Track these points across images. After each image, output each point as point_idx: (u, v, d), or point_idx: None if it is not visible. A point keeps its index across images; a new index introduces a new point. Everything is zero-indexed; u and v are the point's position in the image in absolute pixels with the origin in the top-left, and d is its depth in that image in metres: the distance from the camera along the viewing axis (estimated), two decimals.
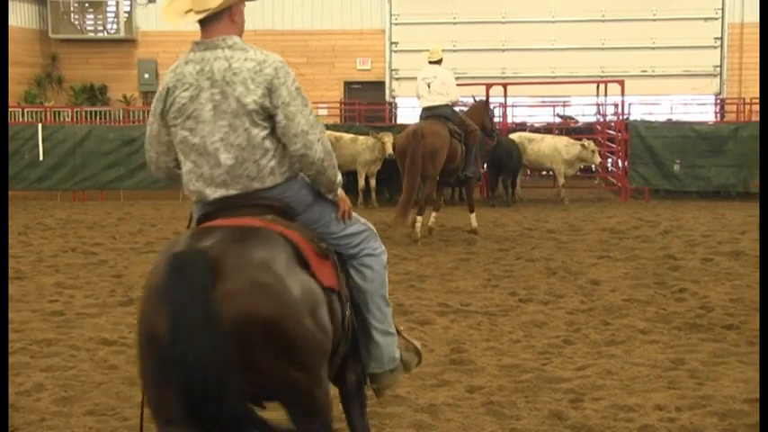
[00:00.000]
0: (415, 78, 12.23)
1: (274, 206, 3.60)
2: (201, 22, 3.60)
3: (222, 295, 3.04)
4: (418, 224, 11.54)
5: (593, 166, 18.24)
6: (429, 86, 11.84)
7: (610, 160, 19.09)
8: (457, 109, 12.33)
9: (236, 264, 3.14)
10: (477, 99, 14.82)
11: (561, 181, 16.44)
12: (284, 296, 3.16)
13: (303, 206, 3.71)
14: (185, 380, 2.95)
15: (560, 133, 18.95)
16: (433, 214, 12.36)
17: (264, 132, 3.54)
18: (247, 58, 3.52)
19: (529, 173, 19.63)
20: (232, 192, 3.55)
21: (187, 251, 3.14)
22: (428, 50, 12.34)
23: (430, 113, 11.82)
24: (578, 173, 18.60)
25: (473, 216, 12.34)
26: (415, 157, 11.38)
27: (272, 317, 3.09)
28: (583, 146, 16.21)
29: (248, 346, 3.06)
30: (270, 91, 3.50)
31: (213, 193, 3.56)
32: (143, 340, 3.11)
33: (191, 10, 3.58)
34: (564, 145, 16.48)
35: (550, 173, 18.25)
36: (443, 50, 12.42)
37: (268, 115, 3.53)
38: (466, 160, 11.97)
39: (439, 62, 12.12)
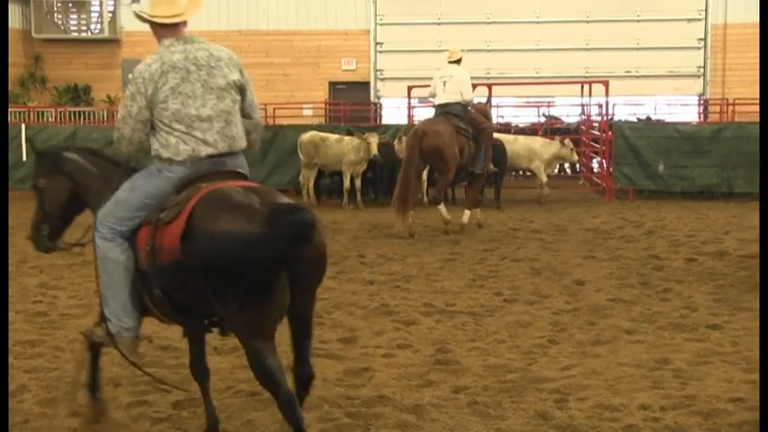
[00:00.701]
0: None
1: (243, 174, 4.52)
2: (173, 24, 4.51)
3: None
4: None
5: (577, 166, 18.26)
6: (445, 84, 12.22)
7: (595, 161, 19.11)
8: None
9: None
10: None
11: (544, 179, 16.43)
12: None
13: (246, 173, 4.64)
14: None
15: (545, 134, 18.97)
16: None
17: (240, 103, 4.58)
18: (219, 49, 4.54)
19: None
20: (222, 149, 4.44)
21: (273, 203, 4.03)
22: (447, 50, 12.85)
23: (442, 110, 12.21)
24: (564, 172, 18.61)
25: (467, 213, 12.35)
26: (412, 153, 11.61)
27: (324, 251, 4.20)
28: (562, 143, 16.25)
29: (317, 269, 4.16)
30: (240, 72, 4.57)
31: (206, 150, 4.40)
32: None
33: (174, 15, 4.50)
34: (540, 145, 16.49)
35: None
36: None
37: (240, 90, 4.56)
38: (475, 157, 12.17)
39: (458, 62, 12.50)
